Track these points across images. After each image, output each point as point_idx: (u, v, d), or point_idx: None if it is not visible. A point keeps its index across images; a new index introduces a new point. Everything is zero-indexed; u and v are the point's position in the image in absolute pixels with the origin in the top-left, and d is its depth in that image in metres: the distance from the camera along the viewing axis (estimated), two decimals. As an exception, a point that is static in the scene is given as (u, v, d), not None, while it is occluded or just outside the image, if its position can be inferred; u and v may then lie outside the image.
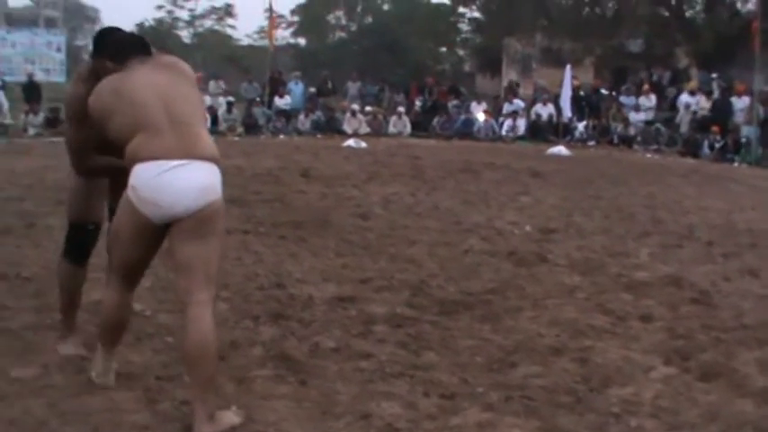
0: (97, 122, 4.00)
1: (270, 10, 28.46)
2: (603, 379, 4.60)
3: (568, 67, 23.58)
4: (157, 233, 3.90)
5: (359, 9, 57.57)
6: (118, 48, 4.16)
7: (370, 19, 56.66)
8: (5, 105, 24.01)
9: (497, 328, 5.49)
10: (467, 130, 24.69)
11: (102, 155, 4.39)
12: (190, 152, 3.81)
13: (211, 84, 27.18)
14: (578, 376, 4.63)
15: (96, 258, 4.91)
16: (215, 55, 51.30)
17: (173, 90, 3.97)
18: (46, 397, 4.19)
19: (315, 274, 6.88)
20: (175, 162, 3.76)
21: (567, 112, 23.33)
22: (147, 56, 4.15)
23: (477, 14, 45.34)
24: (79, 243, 4.75)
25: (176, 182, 3.75)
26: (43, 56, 32.93)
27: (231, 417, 3.89)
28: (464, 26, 49.63)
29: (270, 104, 26.37)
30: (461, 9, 47.92)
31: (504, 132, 24.56)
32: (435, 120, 25.34)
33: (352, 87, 28.62)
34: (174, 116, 3.87)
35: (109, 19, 73.90)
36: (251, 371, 4.61)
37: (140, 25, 52.60)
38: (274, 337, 5.22)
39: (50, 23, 42.51)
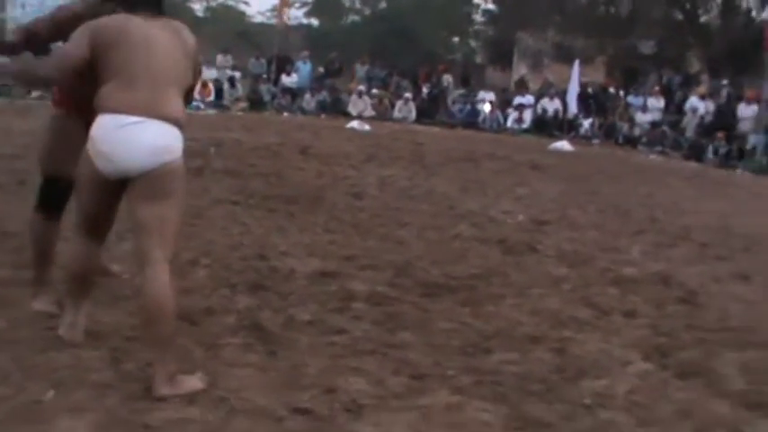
0: (93, 51, 3.87)
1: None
2: (578, 370, 4.49)
3: (576, 62, 23.54)
4: (114, 189, 3.85)
5: (374, -7, 57.40)
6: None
7: (384, 4, 56.52)
8: (10, 65, 23.94)
9: (478, 314, 5.38)
10: (472, 119, 24.59)
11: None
12: (151, 110, 3.75)
13: (219, 57, 27.19)
14: (553, 366, 4.53)
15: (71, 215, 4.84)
16: (227, 30, 51.15)
17: (164, 51, 3.90)
18: (11, 351, 4.12)
19: (300, 248, 6.79)
20: (134, 118, 3.72)
21: (573, 108, 23.29)
22: (158, 12, 4.08)
23: (491, 6, 45.30)
24: (51, 197, 4.68)
25: (130, 138, 3.71)
26: (54, 18, 32.61)
27: (193, 381, 3.81)
28: (478, 17, 49.58)
29: (276, 82, 26.33)
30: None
31: (509, 125, 24.46)
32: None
33: (360, 70, 28.58)
34: (153, 74, 3.82)
35: (123, -13, 73.73)
36: (222, 338, 4.53)
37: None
38: (250, 306, 5.13)
39: (64, -13, 42.20)
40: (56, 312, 4.58)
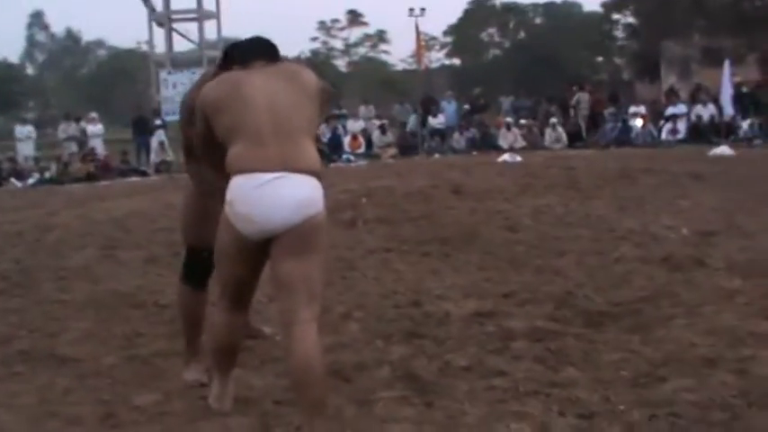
0: (207, 115, 3.83)
1: (417, 31, 28.33)
2: (765, 393, 4.08)
3: (726, 62, 22.54)
4: (258, 251, 3.72)
5: (511, 25, 57.32)
6: (244, 52, 4.00)
7: (523, 34, 56.40)
8: (166, 143, 24.83)
9: (647, 340, 5.03)
10: (625, 137, 23.97)
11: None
12: (288, 164, 3.61)
13: (362, 109, 27.47)
14: (736, 390, 4.12)
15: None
16: (371, 81, 51.97)
17: (286, 99, 3.77)
18: (162, 423, 4.13)
19: (455, 290, 6.57)
20: (272, 175, 3.58)
21: (729, 110, 22.33)
22: (273, 60, 3.98)
23: (631, 20, 44.47)
24: (196, 267, 4.64)
25: (271, 196, 3.57)
26: (203, 95, 33.57)
27: (344, 442, 3.64)
28: (619, 33, 48.81)
29: (424, 125, 26.38)
30: (615, 15, 47.10)
31: (663, 137, 23.73)
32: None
33: (505, 102, 28.39)
34: (280, 127, 3.68)
35: (267, 53, 75.99)
36: (375, 393, 4.35)
37: (297, 58, 53.87)
38: (404, 356, 4.94)
39: (213, 64, 43.41)
40: (206, 382, 4.55)
